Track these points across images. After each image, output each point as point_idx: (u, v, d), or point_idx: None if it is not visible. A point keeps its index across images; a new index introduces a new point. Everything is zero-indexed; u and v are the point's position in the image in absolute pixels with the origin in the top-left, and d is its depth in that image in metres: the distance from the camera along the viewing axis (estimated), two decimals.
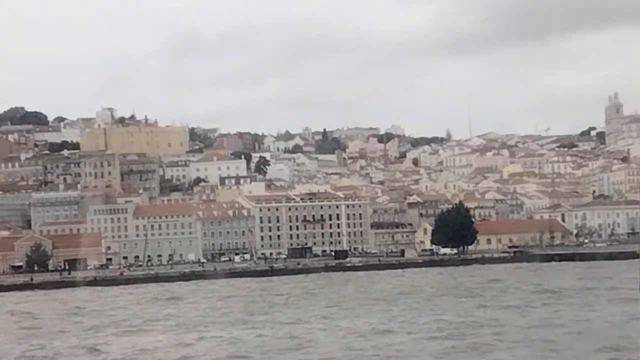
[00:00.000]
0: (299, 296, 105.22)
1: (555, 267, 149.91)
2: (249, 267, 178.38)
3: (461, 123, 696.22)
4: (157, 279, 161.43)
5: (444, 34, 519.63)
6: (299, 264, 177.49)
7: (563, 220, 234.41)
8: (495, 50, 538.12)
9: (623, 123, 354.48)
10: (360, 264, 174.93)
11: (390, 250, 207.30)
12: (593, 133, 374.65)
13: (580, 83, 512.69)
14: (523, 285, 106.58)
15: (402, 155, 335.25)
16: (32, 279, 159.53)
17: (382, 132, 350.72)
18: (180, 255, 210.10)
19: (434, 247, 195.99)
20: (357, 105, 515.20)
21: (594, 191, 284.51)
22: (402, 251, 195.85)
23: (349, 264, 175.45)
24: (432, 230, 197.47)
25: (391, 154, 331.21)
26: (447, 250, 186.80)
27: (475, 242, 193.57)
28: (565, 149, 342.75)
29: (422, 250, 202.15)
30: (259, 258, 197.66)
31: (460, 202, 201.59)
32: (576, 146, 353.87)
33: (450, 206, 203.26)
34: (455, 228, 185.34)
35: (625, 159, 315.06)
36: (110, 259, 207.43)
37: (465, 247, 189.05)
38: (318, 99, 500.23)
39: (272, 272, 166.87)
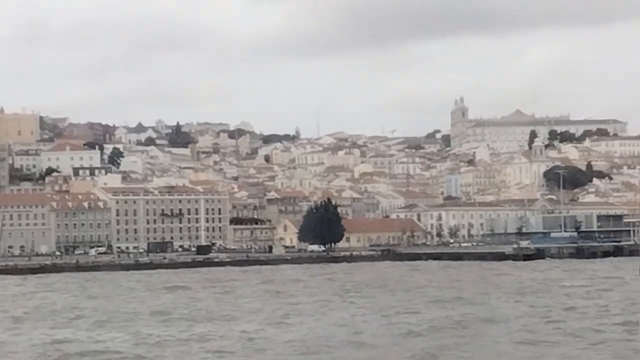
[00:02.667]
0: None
1: (436, 266, 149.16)
2: (113, 260, 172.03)
3: (309, 122, 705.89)
4: (17, 270, 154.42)
5: (292, 36, 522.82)
6: (164, 258, 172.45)
7: (419, 220, 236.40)
8: (341, 55, 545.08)
9: (468, 127, 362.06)
10: (228, 260, 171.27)
11: (249, 247, 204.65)
12: (438, 136, 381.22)
13: (423, 88, 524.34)
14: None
15: (254, 152, 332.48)
16: None
17: (232, 129, 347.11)
18: (32, 247, 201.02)
19: (301, 244, 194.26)
20: (206, 102, 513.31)
21: (442, 192, 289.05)
22: (270, 247, 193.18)
23: (216, 260, 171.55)
24: (300, 226, 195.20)
25: (242, 150, 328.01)
26: (315, 247, 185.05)
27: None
28: (413, 150, 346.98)
29: (286, 247, 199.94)
30: (121, 252, 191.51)
31: (329, 199, 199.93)
32: (423, 148, 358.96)
33: (317, 203, 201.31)
34: (323, 225, 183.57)
35: (471, 162, 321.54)
36: None
37: (333, 244, 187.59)
38: (167, 94, 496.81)
39: (137, 267, 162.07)
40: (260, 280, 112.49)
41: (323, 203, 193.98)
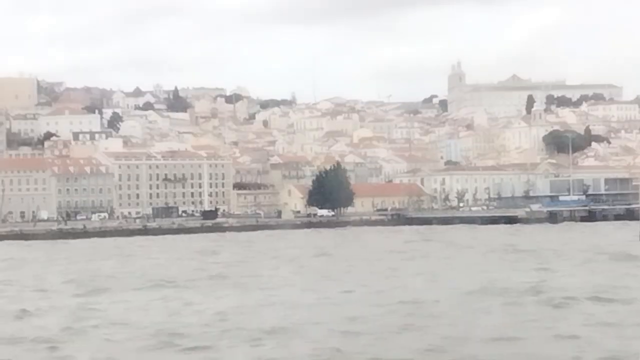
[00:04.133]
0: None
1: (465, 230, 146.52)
2: (120, 226, 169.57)
3: (305, 87, 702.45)
4: (22, 236, 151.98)
5: (286, 1, 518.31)
6: (174, 223, 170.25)
7: (422, 184, 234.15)
8: (335, 21, 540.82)
9: (465, 92, 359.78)
10: (238, 224, 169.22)
11: (254, 212, 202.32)
12: (435, 101, 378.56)
13: (417, 54, 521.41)
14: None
15: (251, 117, 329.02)
16: None
17: (228, 94, 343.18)
18: (33, 212, 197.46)
19: (307, 208, 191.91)
20: (200, 67, 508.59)
21: (442, 157, 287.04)
22: (279, 212, 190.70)
23: (225, 224, 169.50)
24: (309, 191, 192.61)
25: (240, 115, 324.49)
26: (325, 212, 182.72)
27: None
28: (411, 115, 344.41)
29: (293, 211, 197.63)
30: (124, 217, 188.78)
31: (338, 163, 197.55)
32: (420, 113, 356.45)
33: (322, 168, 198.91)
34: (333, 190, 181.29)
35: (469, 127, 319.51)
36: None
37: (342, 209, 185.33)
38: (160, 59, 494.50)
39: (145, 232, 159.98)
40: (315, 246, 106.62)
41: (333, 167, 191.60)
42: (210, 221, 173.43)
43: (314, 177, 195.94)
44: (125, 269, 78.16)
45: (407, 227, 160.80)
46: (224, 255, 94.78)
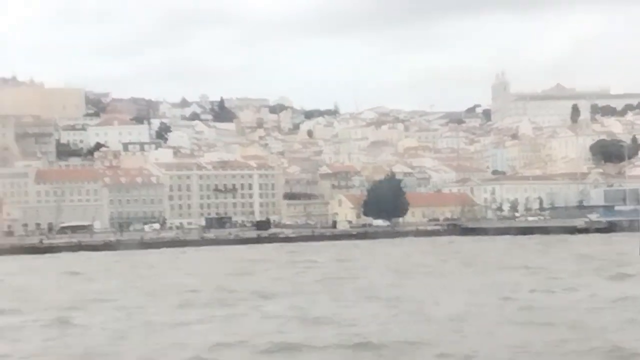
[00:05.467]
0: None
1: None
2: (177, 237, 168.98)
3: (347, 97, 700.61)
4: (81, 247, 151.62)
5: (326, 12, 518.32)
6: (230, 234, 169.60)
7: (472, 194, 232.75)
8: (376, 30, 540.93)
9: (510, 101, 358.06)
10: (294, 235, 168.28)
11: (304, 222, 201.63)
12: (478, 110, 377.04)
13: (459, 63, 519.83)
14: None
15: (296, 127, 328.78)
16: None
17: (271, 104, 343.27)
18: (92, 223, 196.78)
19: (360, 219, 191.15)
20: (244, 77, 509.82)
21: (487, 167, 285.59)
22: (334, 223, 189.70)
23: (281, 235, 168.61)
24: (364, 201, 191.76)
25: (284, 125, 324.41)
26: (380, 222, 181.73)
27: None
28: (455, 124, 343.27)
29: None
30: (177, 228, 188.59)
31: (392, 173, 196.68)
32: (464, 122, 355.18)
33: (371, 179, 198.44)
34: (388, 200, 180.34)
35: (514, 136, 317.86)
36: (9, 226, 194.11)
37: (396, 219, 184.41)
38: (204, 69, 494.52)
39: (203, 243, 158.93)
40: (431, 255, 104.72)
41: (387, 177, 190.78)
42: (265, 232, 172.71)
43: (369, 187, 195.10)
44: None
45: (468, 238, 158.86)
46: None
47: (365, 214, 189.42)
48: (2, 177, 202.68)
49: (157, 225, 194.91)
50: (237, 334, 43.22)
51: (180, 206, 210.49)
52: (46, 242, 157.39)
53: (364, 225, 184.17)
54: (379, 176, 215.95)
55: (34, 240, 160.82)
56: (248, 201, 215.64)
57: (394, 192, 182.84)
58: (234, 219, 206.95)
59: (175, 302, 58.16)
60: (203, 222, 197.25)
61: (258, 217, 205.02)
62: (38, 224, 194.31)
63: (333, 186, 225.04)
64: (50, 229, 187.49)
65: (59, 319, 51.09)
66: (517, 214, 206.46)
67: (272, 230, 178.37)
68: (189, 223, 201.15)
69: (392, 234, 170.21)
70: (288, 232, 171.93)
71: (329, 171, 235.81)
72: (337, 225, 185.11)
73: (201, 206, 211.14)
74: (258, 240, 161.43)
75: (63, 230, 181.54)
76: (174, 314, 51.81)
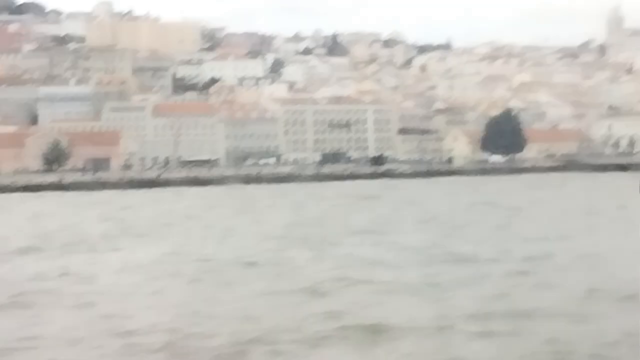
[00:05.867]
0: None
1: None
2: (293, 172, 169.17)
3: (459, 32, 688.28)
4: (198, 182, 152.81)
5: None
6: (346, 169, 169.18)
7: (588, 130, 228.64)
8: None
9: (625, 36, 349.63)
10: (410, 171, 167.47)
11: (418, 157, 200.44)
12: (592, 45, 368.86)
13: None
14: None
15: (408, 62, 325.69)
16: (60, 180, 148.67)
17: (383, 39, 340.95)
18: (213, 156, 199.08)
19: (475, 154, 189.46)
20: (355, 11, 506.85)
21: (602, 102, 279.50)
22: (450, 158, 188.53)
23: (398, 171, 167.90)
24: (482, 136, 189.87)
25: (396, 61, 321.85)
26: (497, 158, 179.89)
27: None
28: (570, 59, 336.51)
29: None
30: (293, 163, 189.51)
31: (509, 109, 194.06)
32: (578, 57, 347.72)
33: (492, 113, 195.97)
34: (506, 135, 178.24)
35: (629, 71, 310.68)
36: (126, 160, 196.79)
37: (513, 155, 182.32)
38: (317, 4, 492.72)
39: (319, 178, 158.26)
40: None
41: (505, 112, 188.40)
42: (381, 167, 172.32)
43: (486, 123, 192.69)
44: None
45: (588, 174, 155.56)
46: None
47: (483, 149, 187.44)
48: (120, 111, 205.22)
49: (272, 160, 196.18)
50: None
51: (295, 141, 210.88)
52: (164, 176, 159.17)
53: (480, 161, 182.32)
54: (494, 112, 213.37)
55: (151, 174, 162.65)
56: (362, 136, 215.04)
57: (512, 128, 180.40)
58: (347, 154, 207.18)
59: None
60: (317, 158, 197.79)
61: (372, 153, 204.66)
62: (155, 158, 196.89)
63: (448, 121, 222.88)
64: (166, 162, 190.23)
65: None
66: (634, 150, 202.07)
67: (388, 166, 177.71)
68: (304, 158, 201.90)
69: (512, 170, 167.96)
70: (404, 168, 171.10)
71: (444, 106, 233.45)
72: (454, 161, 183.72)
73: (315, 142, 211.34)
74: (373, 176, 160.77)
75: (184, 164, 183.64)
76: None
